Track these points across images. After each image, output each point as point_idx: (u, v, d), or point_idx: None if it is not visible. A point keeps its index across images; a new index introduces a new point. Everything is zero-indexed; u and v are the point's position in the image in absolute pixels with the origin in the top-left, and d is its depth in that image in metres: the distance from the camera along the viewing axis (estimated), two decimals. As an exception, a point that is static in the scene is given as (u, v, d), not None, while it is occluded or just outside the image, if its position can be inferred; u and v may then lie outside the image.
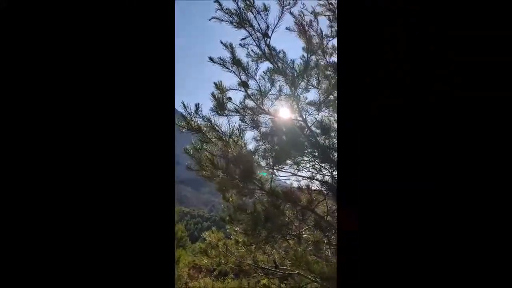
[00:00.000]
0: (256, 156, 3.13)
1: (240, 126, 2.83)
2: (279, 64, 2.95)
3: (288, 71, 2.89)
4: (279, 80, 3.05)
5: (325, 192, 3.19)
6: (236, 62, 2.53)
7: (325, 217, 3.12)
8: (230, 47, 2.57)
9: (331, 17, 3.49)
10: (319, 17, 3.41)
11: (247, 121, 2.91)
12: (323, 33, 3.23)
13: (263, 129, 2.91)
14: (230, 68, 2.60)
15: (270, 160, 3.15)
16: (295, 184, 3.44)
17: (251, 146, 3.05)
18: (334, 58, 3.41)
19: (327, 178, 3.21)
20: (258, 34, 2.73)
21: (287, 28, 2.85)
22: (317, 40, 3.32)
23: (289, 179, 3.46)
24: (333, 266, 2.74)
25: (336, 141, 3.09)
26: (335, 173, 3.10)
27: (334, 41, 3.52)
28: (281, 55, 2.89)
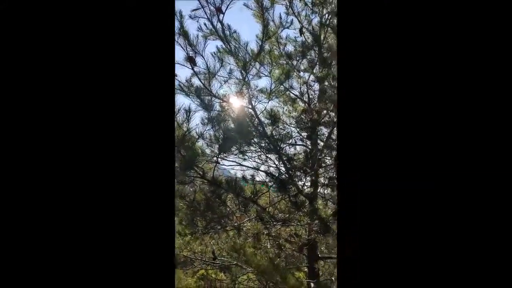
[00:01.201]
0: (201, 142, 2.92)
1: (189, 107, 2.56)
2: (232, 45, 2.76)
3: (240, 54, 2.72)
4: (229, 63, 2.86)
5: (270, 183, 3.15)
6: (184, 33, 2.26)
7: (267, 208, 3.08)
8: (179, 15, 2.27)
9: (288, 6, 3.42)
10: (276, 5, 3.31)
11: (195, 102, 2.66)
12: (281, 19, 3.13)
13: (209, 113, 2.70)
14: (176, 40, 2.31)
15: (216, 147, 2.97)
16: (239, 174, 3.34)
17: (195, 131, 2.82)
18: (288, 48, 3.36)
19: (272, 169, 3.17)
20: (212, 8, 2.49)
21: (244, 4, 2.66)
22: (273, 27, 3.22)
23: (233, 169, 3.34)
24: (271, 257, 2.72)
25: (283, 132, 3.05)
26: (281, 164, 3.07)
27: (289, 31, 3.47)
28: (235, 35, 2.69)
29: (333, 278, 3.07)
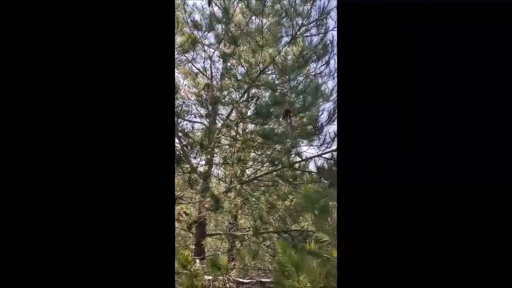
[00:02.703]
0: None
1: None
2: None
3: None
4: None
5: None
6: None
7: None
8: None
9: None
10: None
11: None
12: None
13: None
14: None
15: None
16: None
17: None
18: (195, 16, 3.12)
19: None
20: None
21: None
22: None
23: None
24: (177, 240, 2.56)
25: (182, 106, 2.85)
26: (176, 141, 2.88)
27: (196, 2, 3.22)
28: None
29: (219, 253, 3.20)
